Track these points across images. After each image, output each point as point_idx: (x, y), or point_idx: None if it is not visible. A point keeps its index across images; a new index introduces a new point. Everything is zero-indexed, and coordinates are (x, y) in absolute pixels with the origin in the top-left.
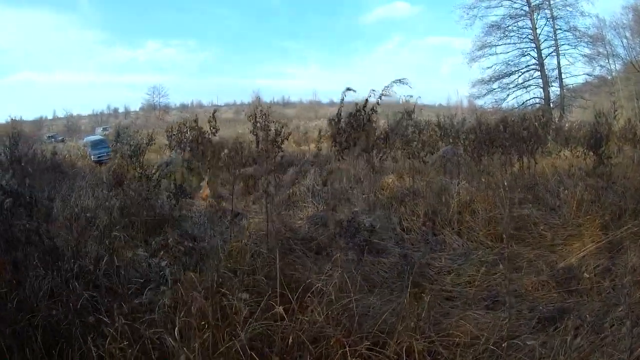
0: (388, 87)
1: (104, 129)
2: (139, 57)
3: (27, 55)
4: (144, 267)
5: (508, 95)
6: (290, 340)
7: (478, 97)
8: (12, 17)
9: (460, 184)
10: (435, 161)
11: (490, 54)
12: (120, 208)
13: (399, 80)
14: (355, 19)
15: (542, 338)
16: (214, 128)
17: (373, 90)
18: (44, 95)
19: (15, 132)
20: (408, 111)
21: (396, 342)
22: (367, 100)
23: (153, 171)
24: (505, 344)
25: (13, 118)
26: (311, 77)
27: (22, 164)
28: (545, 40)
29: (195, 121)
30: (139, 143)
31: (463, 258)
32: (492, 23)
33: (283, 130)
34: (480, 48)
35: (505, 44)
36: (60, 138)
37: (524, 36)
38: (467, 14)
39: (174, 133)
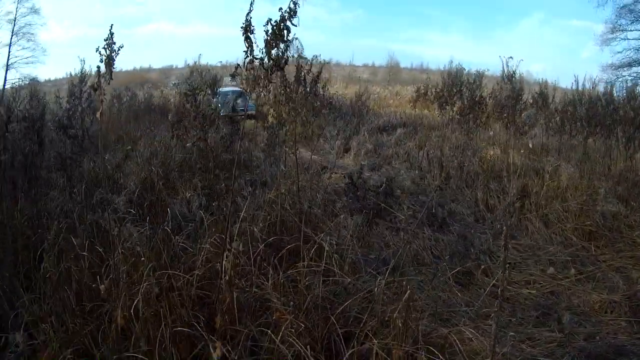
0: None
1: (232, 79)
2: (276, 12)
3: (164, 7)
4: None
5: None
6: None
7: (604, 83)
8: None
9: (563, 166)
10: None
11: (621, 39)
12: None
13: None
14: None
15: None
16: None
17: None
18: (178, 46)
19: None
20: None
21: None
22: None
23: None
24: None
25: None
26: (451, 46)
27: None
28: None
29: None
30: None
31: (533, 251)
32: (624, 5)
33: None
34: (612, 31)
35: (636, 29)
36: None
37: None
38: None
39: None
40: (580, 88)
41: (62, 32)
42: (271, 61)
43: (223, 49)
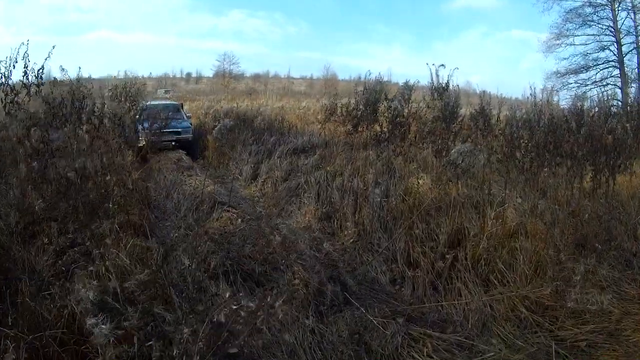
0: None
1: (166, 91)
2: (220, 25)
3: (108, 15)
4: None
5: (584, 92)
6: None
7: (551, 93)
8: None
9: (510, 200)
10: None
11: (567, 44)
12: None
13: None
14: (439, 6)
15: None
16: None
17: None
18: (119, 55)
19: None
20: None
21: None
22: None
23: None
24: None
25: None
26: (393, 60)
27: None
28: (627, 34)
29: None
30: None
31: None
32: (571, 8)
33: None
34: (558, 37)
35: (584, 34)
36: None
37: (604, 28)
38: None
39: None
40: (530, 98)
41: (10, 38)
42: None
43: (164, 58)
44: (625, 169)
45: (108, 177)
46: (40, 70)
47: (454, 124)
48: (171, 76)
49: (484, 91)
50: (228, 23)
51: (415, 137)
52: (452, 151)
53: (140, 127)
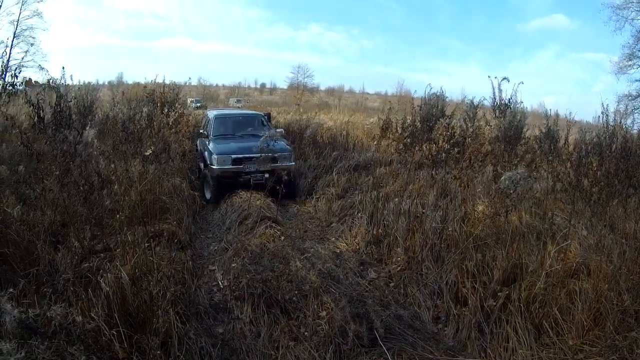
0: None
1: (238, 101)
2: (297, 37)
3: (184, 23)
4: None
5: None
6: None
7: (624, 115)
8: None
9: (575, 234)
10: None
11: (639, 65)
12: None
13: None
14: (514, 26)
15: None
16: None
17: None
18: (193, 62)
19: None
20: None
21: None
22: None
23: None
24: None
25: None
26: (467, 77)
27: None
28: None
29: None
30: None
31: None
32: None
33: None
34: (630, 58)
35: None
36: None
37: None
38: (617, 14)
39: None
40: (605, 121)
41: (85, 39)
42: None
43: (239, 68)
44: None
45: (116, 187)
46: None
47: (517, 145)
48: (245, 86)
49: (550, 110)
50: (306, 36)
51: (471, 159)
52: (503, 178)
53: (200, 146)
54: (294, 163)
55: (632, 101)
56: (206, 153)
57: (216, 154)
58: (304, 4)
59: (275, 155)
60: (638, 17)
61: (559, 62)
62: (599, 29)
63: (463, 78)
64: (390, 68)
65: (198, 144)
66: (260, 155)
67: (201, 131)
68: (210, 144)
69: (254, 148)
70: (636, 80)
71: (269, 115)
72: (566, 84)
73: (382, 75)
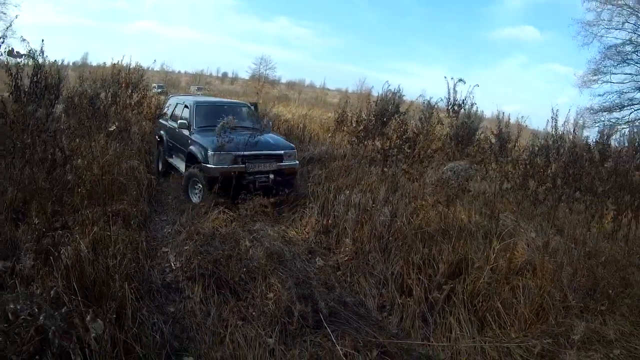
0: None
1: (199, 89)
2: (265, 29)
3: (154, 6)
4: None
5: (617, 131)
6: None
7: (584, 128)
8: None
9: (522, 234)
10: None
11: (604, 81)
12: None
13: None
14: (484, 34)
15: None
16: None
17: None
18: (161, 47)
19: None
20: None
21: None
22: None
23: None
24: None
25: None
26: (431, 79)
27: None
28: None
29: None
30: None
31: None
32: (611, 45)
33: None
34: (595, 73)
35: (622, 73)
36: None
37: None
38: (586, 30)
39: None
40: (554, 126)
41: (55, 17)
42: None
43: (203, 55)
44: None
45: (79, 161)
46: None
47: (469, 146)
48: (207, 74)
49: (503, 113)
50: (274, 28)
51: (420, 155)
52: (445, 168)
53: (170, 136)
54: (298, 162)
55: (593, 115)
56: (193, 148)
57: (213, 150)
58: None
59: (279, 153)
60: (607, 35)
61: (525, 71)
62: (568, 43)
63: (428, 80)
64: (357, 67)
65: (164, 135)
66: (266, 153)
67: (166, 121)
68: (199, 137)
69: (259, 144)
70: (598, 95)
71: (256, 106)
72: (532, 93)
73: (347, 73)
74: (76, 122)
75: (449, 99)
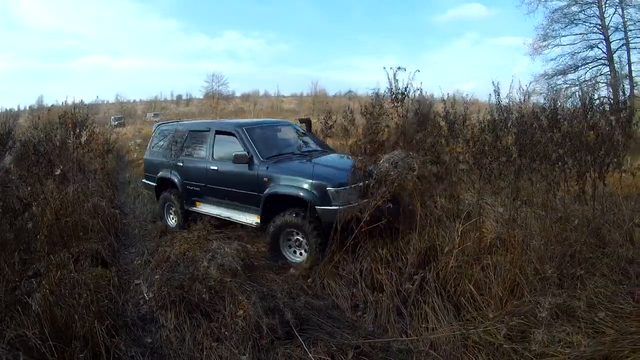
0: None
1: (155, 115)
2: (214, 46)
3: (102, 40)
4: None
5: (574, 93)
6: None
7: (540, 94)
8: (91, 4)
9: (489, 212)
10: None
11: (554, 45)
12: None
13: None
14: (429, 18)
15: None
16: None
17: None
18: (112, 80)
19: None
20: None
21: None
22: None
23: None
24: None
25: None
26: (382, 71)
27: None
28: (615, 31)
29: None
30: None
31: None
32: (556, 8)
33: None
34: (544, 38)
35: (571, 34)
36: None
37: (591, 26)
38: None
39: None
40: (503, 100)
41: (6, 63)
42: None
43: (156, 82)
44: (615, 167)
45: (34, 208)
46: None
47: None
48: (162, 99)
49: (448, 93)
50: (223, 43)
51: (365, 149)
52: (381, 161)
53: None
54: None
55: (549, 80)
56: (285, 189)
57: (332, 186)
58: (218, 11)
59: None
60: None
61: (476, 48)
62: (515, 14)
63: (379, 72)
64: (305, 69)
65: (176, 177)
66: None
67: (166, 157)
68: (284, 170)
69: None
70: (551, 59)
71: (309, 123)
72: (487, 69)
73: (297, 77)
74: (25, 170)
75: (391, 88)
